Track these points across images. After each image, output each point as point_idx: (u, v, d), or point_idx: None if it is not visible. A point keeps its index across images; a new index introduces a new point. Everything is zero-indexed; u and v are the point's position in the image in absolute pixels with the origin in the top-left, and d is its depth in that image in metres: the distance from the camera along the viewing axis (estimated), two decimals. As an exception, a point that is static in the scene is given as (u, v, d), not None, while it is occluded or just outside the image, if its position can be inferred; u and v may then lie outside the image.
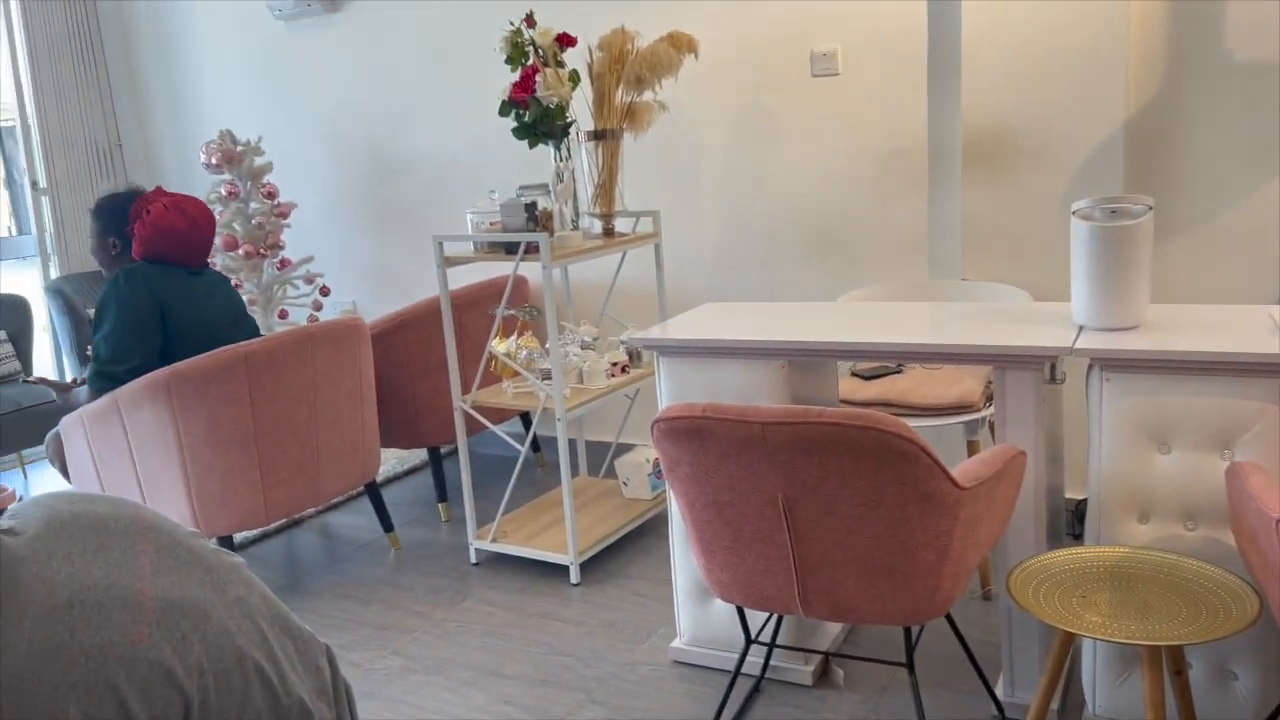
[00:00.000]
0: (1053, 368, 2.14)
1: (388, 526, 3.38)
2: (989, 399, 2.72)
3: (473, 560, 3.21)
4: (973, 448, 2.88)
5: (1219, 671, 1.92)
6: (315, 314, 4.18)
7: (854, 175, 3.32)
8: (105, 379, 2.87)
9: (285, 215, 4.09)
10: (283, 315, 4.20)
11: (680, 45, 3.02)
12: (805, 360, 2.27)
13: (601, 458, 3.99)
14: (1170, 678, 1.87)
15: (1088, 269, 2.00)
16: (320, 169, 4.49)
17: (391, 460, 4.23)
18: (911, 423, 2.71)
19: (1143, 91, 2.88)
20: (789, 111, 3.39)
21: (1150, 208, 1.99)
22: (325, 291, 4.26)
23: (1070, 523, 3.06)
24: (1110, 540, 1.95)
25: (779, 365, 2.20)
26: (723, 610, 2.39)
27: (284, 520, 3.65)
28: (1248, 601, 1.65)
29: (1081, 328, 2.04)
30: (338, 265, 4.55)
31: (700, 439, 1.69)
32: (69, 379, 4.25)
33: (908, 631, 1.83)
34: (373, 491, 3.36)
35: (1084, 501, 2.13)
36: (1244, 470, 1.69)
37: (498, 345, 3.08)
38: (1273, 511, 1.47)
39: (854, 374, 2.97)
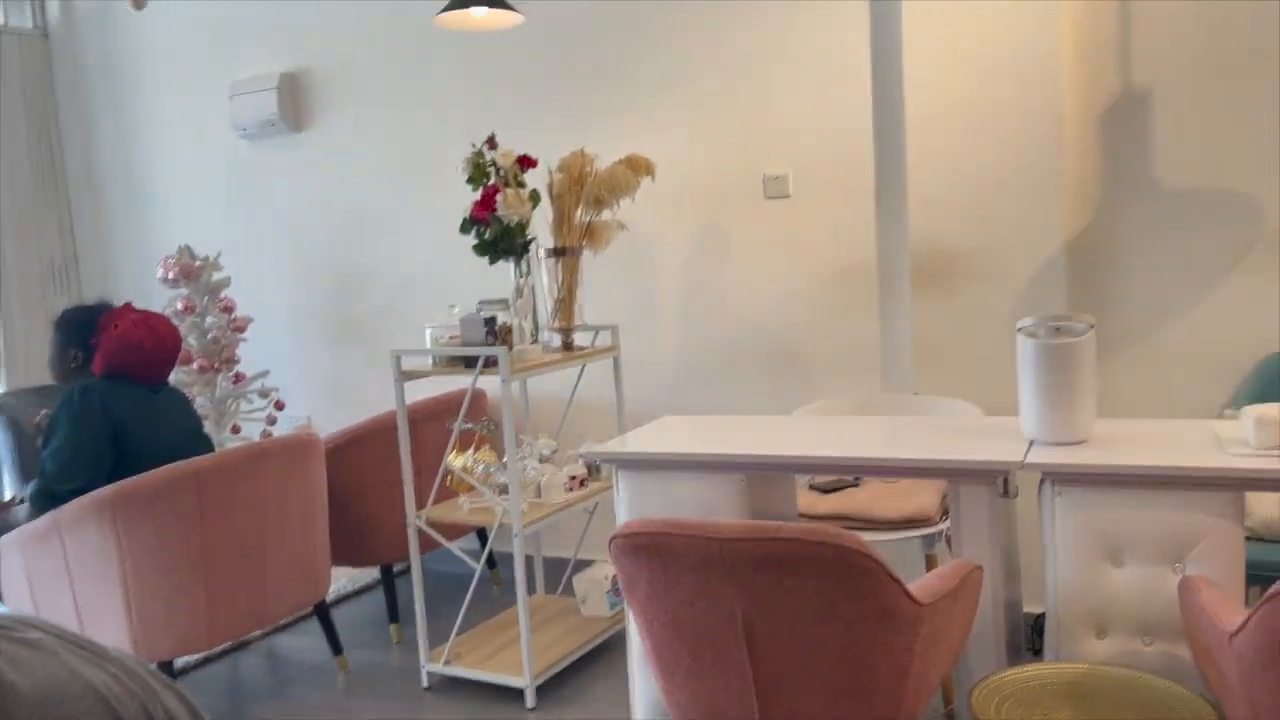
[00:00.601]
0: (1005, 481, 2.17)
1: (337, 649, 3.27)
2: (945, 512, 2.74)
3: (425, 684, 3.11)
4: (931, 562, 2.88)
5: (1184, 791, 1.90)
6: (269, 429, 4.13)
7: (808, 292, 3.41)
8: (48, 497, 2.79)
9: (242, 329, 4.08)
10: (235, 430, 4.14)
11: (638, 168, 3.12)
12: (764, 474, 2.28)
13: (559, 574, 3.93)
14: (1136, 798, 1.84)
15: (1035, 385, 2.05)
16: (280, 283, 4.50)
17: (342, 580, 4.12)
18: (869, 536, 2.72)
19: (1080, 215, 3.01)
20: (744, 231, 3.48)
21: (1092, 325, 2.06)
22: (280, 406, 4.22)
23: (1030, 637, 3.04)
24: (1069, 655, 1.95)
25: (737, 479, 2.20)
26: (683, 733, 2.33)
27: (229, 643, 3.52)
28: (1206, 717, 1.65)
29: (1032, 442, 2.08)
30: (295, 379, 4.52)
31: (659, 555, 1.67)
32: (8, 497, 4.12)
33: (871, 753, 1.79)
34: (322, 612, 3.26)
35: (1042, 615, 2.13)
36: (1195, 585, 1.71)
37: (454, 459, 3.05)
38: (1226, 626, 1.48)
39: (812, 487, 2.98)
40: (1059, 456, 1.95)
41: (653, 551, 1.68)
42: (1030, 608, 3.07)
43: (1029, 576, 3.07)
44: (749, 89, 3.41)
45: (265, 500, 2.95)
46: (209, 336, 4.01)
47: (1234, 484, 1.81)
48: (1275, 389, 2.73)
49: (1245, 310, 2.85)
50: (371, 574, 4.17)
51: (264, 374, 4.16)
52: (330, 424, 4.40)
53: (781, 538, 1.56)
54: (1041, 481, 1.99)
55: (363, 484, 3.46)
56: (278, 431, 4.13)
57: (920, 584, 1.74)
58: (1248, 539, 2.55)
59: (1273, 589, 1.36)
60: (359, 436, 3.44)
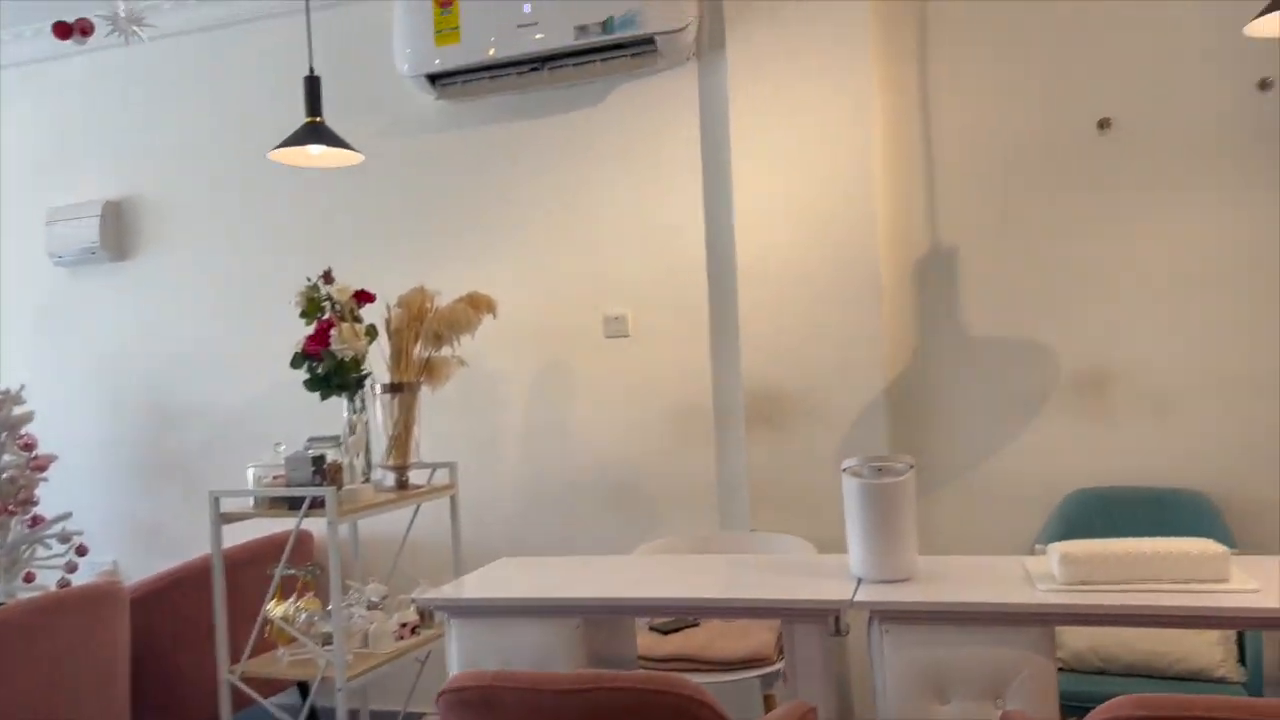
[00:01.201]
0: (837, 620, 2.21)
1: (131, 825, 2.94)
2: (782, 651, 2.75)
3: None
4: (769, 701, 2.87)
5: None
6: (68, 576, 3.78)
7: (648, 430, 3.45)
8: None
9: (43, 468, 3.77)
10: (29, 579, 3.77)
11: (479, 306, 3.13)
12: (602, 617, 2.24)
13: (387, 729, 3.69)
14: None
15: (861, 523, 2.12)
16: (91, 419, 4.21)
17: (144, 743, 3.73)
18: (709, 678, 2.70)
19: (899, 360, 3.20)
20: (585, 369, 3.52)
21: (912, 465, 2.16)
22: (82, 551, 3.88)
23: (867, 777, 3.05)
24: (903, 797, 1.96)
25: (575, 624, 2.15)
26: None
27: (1, 824, 3.11)
28: None
29: (860, 580, 2.14)
30: (103, 522, 4.19)
31: (489, 710, 1.60)
32: None
33: None
34: (116, 783, 2.94)
35: (877, 755, 2.17)
36: (1014, 719, 1.77)
37: (274, 608, 2.87)
38: (1043, 761, 1.52)
39: (652, 628, 2.95)
40: (885, 594, 2.01)
41: (482, 707, 1.60)
42: (866, 746, 3.09)
43: (862, 714, 3.10)
44: (590, 233, 3.51)
45: (58, 658, 2.67)
46: (4, 476, 3.69)
47: (1045, 619, 1.90)
48: (1079, 523, 2.92)
49: (1049, 450, 3.06)
50: (177, 736, 3.80)
51: (65, 516, 3.83)
52: (140, 570, 4.07)
53: (616, 687, 1.53)
54: (870, 619, 2.03)
55: (172, 636, 3.19)
56: (78, 580, 3.78)
57: (756, 730, 1.73)
58: (1060, 670, 2.67)
59: (1081, 724, 1.42)
60: (169, 584, 3.19)
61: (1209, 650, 2.52)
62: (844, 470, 2.17)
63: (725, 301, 3.34)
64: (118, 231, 4.12)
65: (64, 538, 3.81)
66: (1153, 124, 2.95)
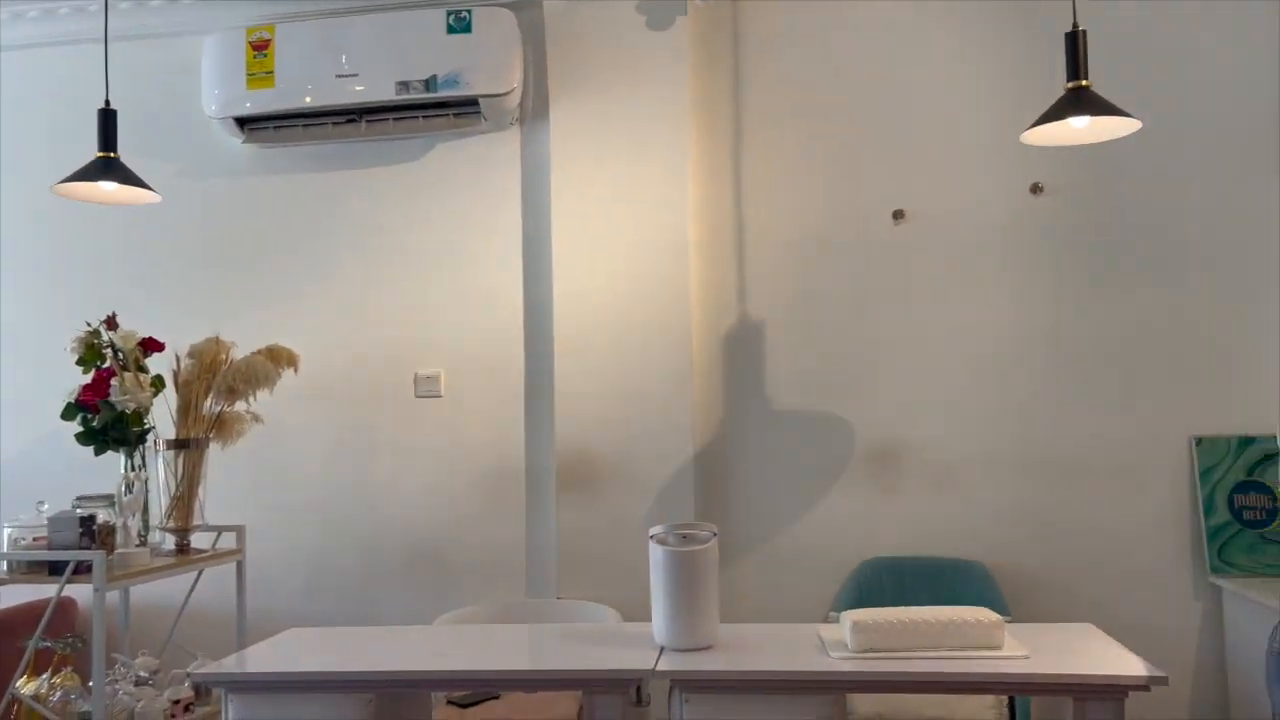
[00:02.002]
0: (638, 690, 2.19)
1: None
2: (583, 723, 2.70)
3: None
4: (568, 778, 2.80)
5: None
6: None
7: (456, 494, 3.36)
8: None
9: None
10: None
11: (279, 359, 2.98)
12: (396, 692, 2.13)
13: (151, 818, 3.36)
14: None
15: (664, 591, 2.13)
16: None
17: None
18: (507, 754, 2.61)
19: (707, 429, 3.27)
20: (392, 429, 3.41)
21: (715, 533, 2.19)
22: None
23: None
24: None
25: (366, 700, 2.04)
26: None
27: None
28: None
29: (663, 648, 2.14)
30: None
31: (264, 797, 1.48)
32: None
33: None
34: None
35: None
36: (807, 787, 1.79)
37: (24, 685, 2.57)
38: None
39: (450, 701, 2.83)
40: (686, 663, 2.01)
41: (257, 792, 1.48)
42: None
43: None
44: (405, 291, 3.43)
45: None
46: None
47: (837, 686, 1.95)
48: (870, 591, 3.05)
49: (844, 519, 3.20)
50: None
51: None
52: None
53: (405, 768, 1.45)
54: (671, 688, 2.03)
55: (-105, 719, 2.80)
56: None
57: (552, 808, 1.67)
58: (851, 736, 2.74)
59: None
60: (-103, 659, 2.81)
61: (985, 714, 2.66)
62: (651, 537, 2.18)
63: (541, 366, 3.33)
64: None
65: None
66: (942, 217, 3.19)
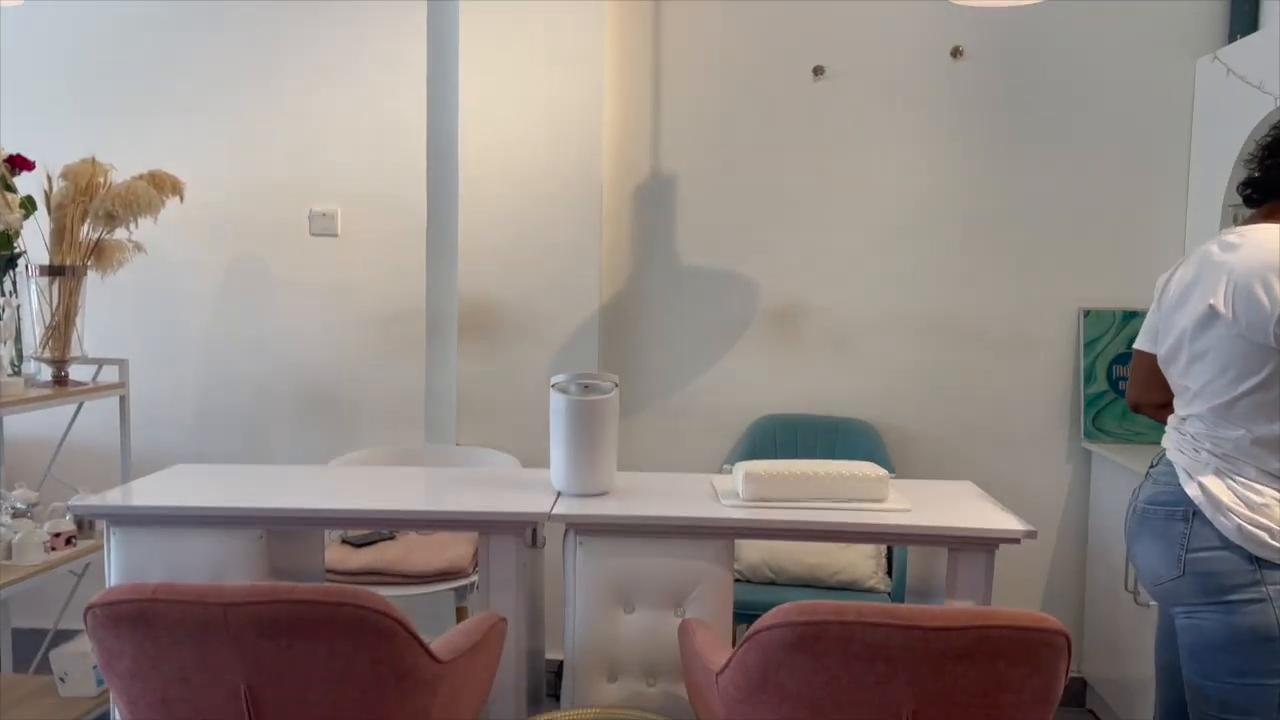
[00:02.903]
0: (534, 532, 2.22)
1: None
2: (478, 564, 2.75)
3: None
4: (461, 614, 2.87)
5: (678, 820, 2.05)
6: None
7: (352, 336, 3.28)
8: None
9: None
10: None
11: (163, 186, 2.80)
12: (287, 529, 2.11)
13: (34, 650, 3.33)
14: (636, 834, 1.94)
15: (564, 439, 2.14)
16: None
17: None
18: (402, 591, 2.65)
19: (614, 281, 3.24)
20: (285, 266, 3.28)
21: (617, 384, 2.20)
22: None
23: (551, 683, 3.14)
24: (584, 701, 2.02)
25: (257, 535, 2.02)
26: (174, 826, 2.05)
27: None
28: (698, 750, 1.79)
29: (560, 494, 2.16)
30: None
31: (147, 626, 1.46)
32: None
33: (384, 824, 1.70)
34: None
35: (563, 662, 2.22)
36: (691, 628, 1.86)
37: (-109, 514, 2.47)
38: (713, 665, 1.62)
39: (345, 541, 2.84)
40: (582, 508, 2.04)
41: (139, 621, 1.46)
42: (553, 654, 3.18)
43: (552, 625, 3.18)
44: (300, 122, 3.24)
45: None
46: None
47: (726, 532, 2.01)
48: (764, 447, 3.13)
49: (743, 377, 3.24)
50: None
51: None
52: None
53: (295, 600, 1.44)
54: (566, 532, 2.06)
55: None
56: None
57: (443, 640, 1.70)
58: (735, 581, 2.86)
59: (749, 631, 1.51)
60: None
61: (864, 563, 2.80)
62: (552, 386, 2.17)
63: (444, 209, 3.21)
64: None
65: None
66: (860, 76, 3.14)
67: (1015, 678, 1.45)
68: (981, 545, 1.98)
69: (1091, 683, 3.09)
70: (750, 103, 3.18)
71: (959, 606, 1.86)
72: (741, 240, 3.21)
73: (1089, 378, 3.10)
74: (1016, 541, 1.97)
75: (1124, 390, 3.08)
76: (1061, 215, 3.13)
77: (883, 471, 2.13)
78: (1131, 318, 3.08)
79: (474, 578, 2.73)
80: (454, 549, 2.79)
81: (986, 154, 3.13)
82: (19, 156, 2.68)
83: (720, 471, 2.87)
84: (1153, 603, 2.20)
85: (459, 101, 3.13)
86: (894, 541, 2.02)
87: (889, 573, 2.86)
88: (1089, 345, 3.10)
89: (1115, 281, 3.12)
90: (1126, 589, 2.61)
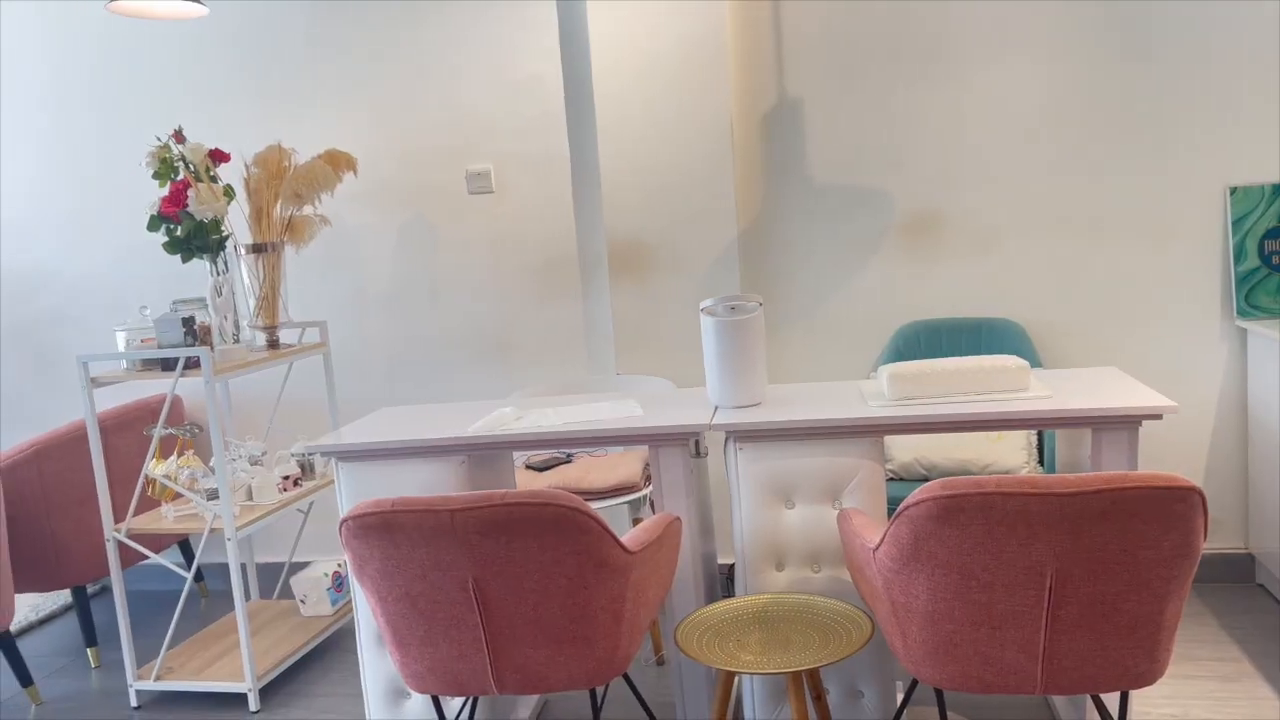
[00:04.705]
0: (696, 443, 2.45)
1: (25, 680, 3.02)
2: (649, 479, 3.01)
3: (134, 704, 2.95)
4: (636, 525, 3.14)
5: (849, 692, 2.27)
6: (-80, 452, 3.68)
7: (515, 283, 3.57)
8: None
9: (-121, 342, 3.60)
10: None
11: (338, 164, 3.13)
12: (484, 454, 2.41)
13: (273, 580, 3.84)
14: (812, 702, 2.18)
15: (716, 357, 2.34)
16: (-78, 290, 4.01)
17: (24, 609, 3.77)
18: (582, 508, 2.93)
19: (749, 208, 3.40)
20: (450, 224, 3.58)
21: (761, 303, 2.38)
22: (-68, 426, 3.77)
23: (724, 585, 3.41)
24: (756, 589, 2.25)
25: (460, 461, 2.32)
26: (415, 709, 2.42)
27: (-115, 694, 3.14)
28: (864, 625, 1.99)
29: (717, 407, 2.37)
30: (-54, 396, 4.05)
31: (389, 533, 1.76)
32: None
33: (593, 693, 1.98)
34: (6, 642, 3.00)
35: (733, 565, 2.44)
36: (849, 515, 2.06)
37: (156, 467, 2.92)
38: (870, 544, 1.81)
39: (528, 466, 3.15)
40: (739, 417, 2.25)
41: (383, 530, 1.76)
42: (723, 559, 3.44)
43: (720, 534, 3.43)
44: (447, 89, 3.51)
45: (-70, 528, 2.67)
46: None
47: (874, 430, 2.18)
48: (909, 352, 3.25)
49: (883, 287, 3.36)
50: (56, 601, 3.85)
51: (-90, 392, 3.70)
52: (-4, 443, 4.00)
53: (508, 503, 1.71)
54: (726, 440, 2.28)
55: (46, 503, 3.20)
56: (-69, 455, 3.69)
57: (629, 536, 1.96)
58: (889, 480, 3.03)
59: (898, 509, 1.69)
60: (37, 452, 3.18)
61: (1014, 455, 2.91)
62: (702, 310, 2.37)
63: (586, 156, 3.43)
64: (-69, 89, 3.83)
65: (-89, 414, 3.69)
66: (980, -21, 3.15)
67: (1152, 535, 1.58)
68: (1123, 423, 2.07)
69: (1260, 558, 3.12)
70: (871, 16, 3.24)
71: (1102, 481, 1.98)
72: (872, 154, 3.30)
73: (1239, 255, 3.06)
74: (1158, 417, 2.05)
75: (1278, 265, 3.04)
76: (1200, 93, 3.07)
77: (1023, 361, 2.24)
78: (1282, 191, 3.02)
79: (643, 492, 2.99)
80: (624, 467, 3.06)
81: (1119, 36, 3.10)
82: (217, 150, 3.04)
83: (867, 379, 3.02)
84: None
85: (590, 51, 3.32)
86: (1036, 426, 2.13)
87: (1040, 463, 2.96)
88: (1237, 223, 3.06)
89: (1261, 155, 3.06)
90: (1285, 461, 2.63)
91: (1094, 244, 3.20)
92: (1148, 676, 1.72)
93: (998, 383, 2.22)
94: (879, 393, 2.33)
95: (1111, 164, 3.16)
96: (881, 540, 1.75)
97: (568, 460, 3.16)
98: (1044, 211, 3.22)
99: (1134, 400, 2.10)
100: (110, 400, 3.75)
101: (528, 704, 2.69)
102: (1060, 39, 3.13)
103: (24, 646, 3.50)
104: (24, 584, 3.24)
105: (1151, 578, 1.62)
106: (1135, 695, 2.50)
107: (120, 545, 2.90)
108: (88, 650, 3.30)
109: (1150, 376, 3.21)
